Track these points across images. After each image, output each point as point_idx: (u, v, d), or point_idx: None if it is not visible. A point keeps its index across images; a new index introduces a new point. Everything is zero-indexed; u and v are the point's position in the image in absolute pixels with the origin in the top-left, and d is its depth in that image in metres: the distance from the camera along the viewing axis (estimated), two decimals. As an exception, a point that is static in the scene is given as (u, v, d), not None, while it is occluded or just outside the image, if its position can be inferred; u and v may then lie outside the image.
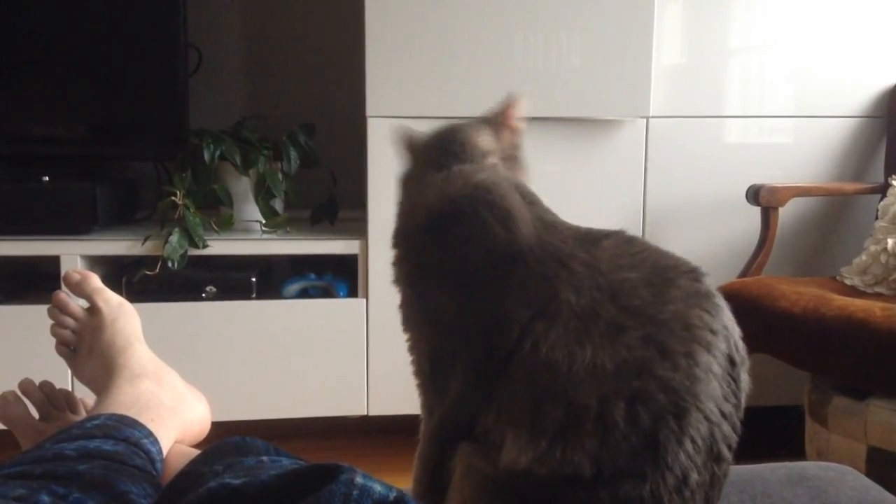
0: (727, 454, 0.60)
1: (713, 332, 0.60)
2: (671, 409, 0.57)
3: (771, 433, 1.84)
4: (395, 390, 1.92)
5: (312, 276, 2.00)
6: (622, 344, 0.59)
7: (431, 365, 0.72)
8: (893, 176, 1.94)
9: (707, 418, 0.58)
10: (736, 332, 0.63)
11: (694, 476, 0.58)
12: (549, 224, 0.69)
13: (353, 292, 1.98)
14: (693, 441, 0.57)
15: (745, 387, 0.62)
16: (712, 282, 0.65)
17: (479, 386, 0.66)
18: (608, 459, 0.57)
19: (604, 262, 0.64)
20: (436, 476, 0.69)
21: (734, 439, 0.60)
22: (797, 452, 1.72)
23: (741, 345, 0.62)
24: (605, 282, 0.62)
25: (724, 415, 0.59)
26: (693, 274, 0.63)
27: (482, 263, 0.68)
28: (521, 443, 0.60)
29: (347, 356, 1.94)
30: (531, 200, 0.72)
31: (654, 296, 0.61)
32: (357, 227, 2.05)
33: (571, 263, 0.65)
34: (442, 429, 0.70)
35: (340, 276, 2.01)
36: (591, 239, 0.67)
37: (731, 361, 0.61)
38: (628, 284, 0.62)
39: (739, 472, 0.77)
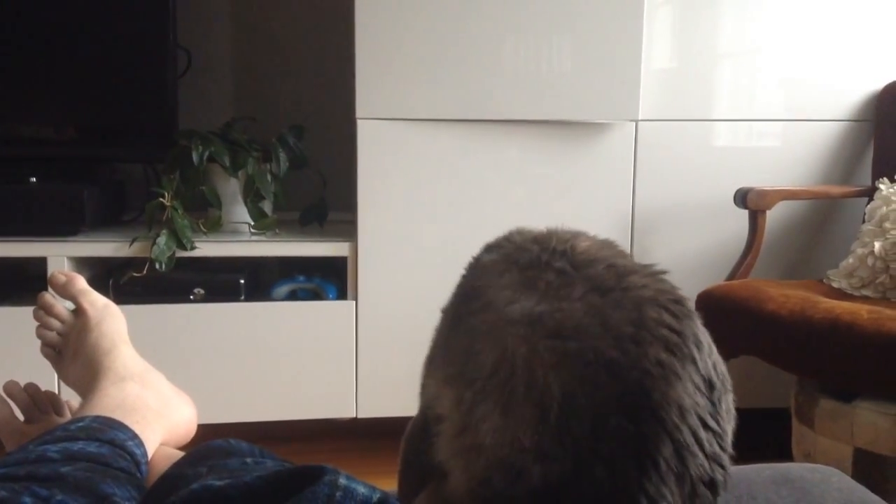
0: (706, 493, 0.49)
1: (677, 333, 0.50)
2: (622, 404, 0.47)
3: (757, 435, 1.84)
4: (384, 393, 1.92)
5: (301, 278, 2.00)
6: (564, 299, 0.51)
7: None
8: (880, 179, 1.95)
9: (671, 435, 0.47)
10: (714, 351, 0.52)
11: None
12: None
13: (342, 295, 1.98)
14: (656, 465, 0.47)
15: (731, 417, 0.52)
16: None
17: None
18: (551, 450, 0.48)
19: (566, 233, 0.58)
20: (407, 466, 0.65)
21: (720, 474, 0.50)
22: (784, 454, 1.73)
23: (721, 368, 0.52)
24: (561, 248, 0.55)
25: (697, 440, 0.48)
26: (658, 275, 0.54)
27: None
28: (445, 392, 0.53)
29: (336, 359, 1.94)
30: None
31: (608, 270, 0.53)
32: (347, 229, 2.05)
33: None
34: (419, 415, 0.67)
35: (330, 279, 2.00)
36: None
37: (710, 383, 0.50)
38: (586, 254, 0.54)
39: (725, 474, 0.77)
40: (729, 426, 0.52)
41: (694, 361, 0.50)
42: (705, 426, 0.49)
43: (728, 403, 0.52)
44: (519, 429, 0.48)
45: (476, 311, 0.54)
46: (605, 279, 0.52)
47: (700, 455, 0.48)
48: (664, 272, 0.55)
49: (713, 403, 0.50)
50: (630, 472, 0.47)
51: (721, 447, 0.50)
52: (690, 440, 0.48)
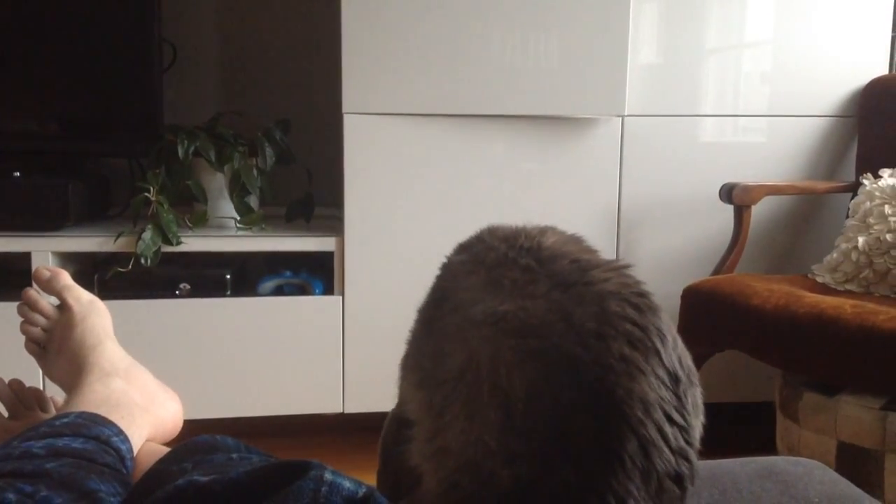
0: (673, 488, 0.49)
1: (640, 327, 0.49)
2: (586, 401, 0.47)
3: (742, 429, 1.86)
4: (371, 388, 1.92)
5: (288, 273, 1.99)
6: (528, 297, 0.51)
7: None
8: (864, 175, 1.97)
9: (635, 430, 0.47)
10: (679, 345, 0.52)
11: None
12: None
13: (328, 290, 1.98)
14: (621, 461, 0.47)
15: (698, 412, 0.52)
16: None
17: None
18: (518, 451, 0.48)
19: (534, 229, 0.58)
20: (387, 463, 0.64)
21: (686, 468, 0.49)
22: (769, 448, 1.74)
23: (687, 362, 0.52)
24: (528, 244, 0.56)
25: (663, 435, 0.48)
26: (622, 270, 0.54)
27: None
28: (417, 395, 0.54)
29: (323, 354, 1.94)
30: None
31: (572, 265, 0.53)
32: (333, 224, 2.04)
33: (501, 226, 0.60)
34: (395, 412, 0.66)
35: (316, 274, 2.00)
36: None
37: (675, 377, 0.50)
38: (551, 250, 0.55)
39: (709, 467, 0.77)
40: (696, 420, 0.51)
41: (658, 355, 0.49)
42: (670, 420, 0.48)
43: (695, 397, 0.52)
44: (485, 431, 0.48)
45: (445, 314, 0.54)
46: (569, 274, 0.52)
47: (665, 450, 0.48)
48: (628, 266, 0.55)
49: (678, 397, 0.50)
50: (597, 470, 0.46)
51: (687, 441, 0.50)
52: (655, 435, 0.47)
